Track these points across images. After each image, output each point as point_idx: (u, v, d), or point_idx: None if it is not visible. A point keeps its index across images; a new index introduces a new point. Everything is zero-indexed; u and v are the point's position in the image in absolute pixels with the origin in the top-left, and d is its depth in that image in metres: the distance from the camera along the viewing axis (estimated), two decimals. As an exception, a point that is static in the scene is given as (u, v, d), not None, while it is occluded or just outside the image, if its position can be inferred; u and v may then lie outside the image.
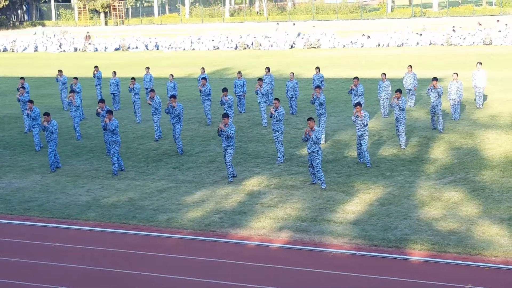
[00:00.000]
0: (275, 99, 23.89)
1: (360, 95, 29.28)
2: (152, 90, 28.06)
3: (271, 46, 67.72)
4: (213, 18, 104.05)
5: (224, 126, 21.40)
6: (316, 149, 20.58)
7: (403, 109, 24.64)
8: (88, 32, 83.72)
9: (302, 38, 69.08)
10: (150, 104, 27.64)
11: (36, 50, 77.95)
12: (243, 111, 33.36)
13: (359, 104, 22.70)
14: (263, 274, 15.20)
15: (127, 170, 23.85)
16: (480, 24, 67.41)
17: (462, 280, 14.36)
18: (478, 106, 31.84)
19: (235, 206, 19.51)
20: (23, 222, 19.18)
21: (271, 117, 23.56)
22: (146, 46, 73.33)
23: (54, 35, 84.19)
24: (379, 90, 30.63)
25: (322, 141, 25.50)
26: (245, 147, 26.40)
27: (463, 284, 14.14)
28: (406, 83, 32.32)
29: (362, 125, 22.48)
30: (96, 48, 74.92)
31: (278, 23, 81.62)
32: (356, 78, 29.70)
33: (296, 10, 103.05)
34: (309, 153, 20.82)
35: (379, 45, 64.78)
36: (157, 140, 27.98)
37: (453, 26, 66.88)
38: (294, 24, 78.75)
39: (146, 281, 15.07)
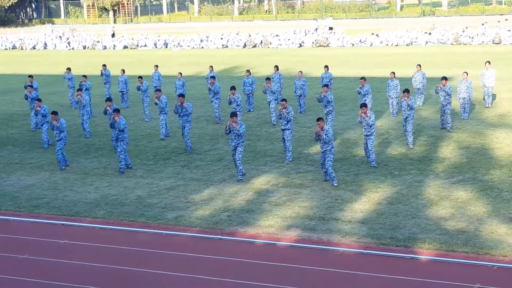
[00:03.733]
0: (283, 99, 23.79)
1: (365, 94, 29.23)
2: (159, 90, 27.86)
3: (280, 44, 67.71)
4: (222, 16, 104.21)
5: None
6: (329, 148, 20.64)
7: (413, 108, 24.59)
8: (113, 27, 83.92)
9: (312, 34, 69.23)
10: (156, 104, 27.48)
11: (45, 48, 78.14)
12: (251, 110, 33.36)
13: (365, 105, 22.63)
14: (271, 273, 15.19)
15: (135, 168, 23.88)
16: (484, 24, 67.33)
17: (470, 280, 14.33)
18: (487, 106, 31.76)
19: (243, 205, 19.51)
20: (31, 219, 19.22)
21: (279, 118, 23.53)
22: (155, 44, 73.43)
23: (64, 33, 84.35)
24: (388, 89, 30.60)
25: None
26: (253, 145, 26.40)
27: (471, 283, 14.10)
28: (415, 82, 32.28)
29: (368, 126, 22.41)
30: (104, 46, 75.05)
31: (316, 20, 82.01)
32: (363, 78, 29.69)
33: (305, 8, 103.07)
34: (322, 152, 20.88)
35: (388, 44, 64.67)
36: (163, 139, 27.94)
37: (466, 27, 66.76)
38: (316, 20, 79.42)
39: (154, 279, 15.09)
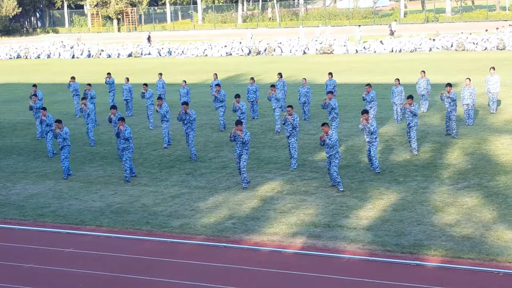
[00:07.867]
0: (289, 106, 23.82)
1: (370, 101, 29.18)
2: (160, 98, 27.69)
3: (283, 52, 67.74)
4: (226, 24, 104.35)
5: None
6: (333, 153, 20.65)
7: (416, 115, 24.57)
8: (150, 32, 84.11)
9: (316, 41, 69.23)
10: (157, 111, 27.41)
11: (49, 57, 78.30)
12: (256, 117, 33.37)
13: (366, 112, 22.57)
14: (276, 280, 15.17)
15: (140, 176, 23.88)
16: (487, 30, 67.62)
17: (477, 286, 14.29)
18: (491, 111, 31.72)
19: (248, 212, 19.50)
20: (36, 228, 19.23)
21: (284, 123, 23.55)
22: (159, 52, 73.52)
23: (68, 43, 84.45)
24: (393, 95, 30.57)
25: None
26: (258, 153, 26.39)
27: (477, 290, 14.08)
28: (419, 89, 32.27)
29: (370, 133, 22.34)
30: (109, 55, 75.21)
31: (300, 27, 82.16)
32: (368, 85, 29.67)
33: (309, 15, 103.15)
34: (328, 157, 20.90)
35: (392, 51, 64.67)
36: (166, 148, 27.93)
37: (470, 33, 67.01)
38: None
39: (159, 287, 15.07)
